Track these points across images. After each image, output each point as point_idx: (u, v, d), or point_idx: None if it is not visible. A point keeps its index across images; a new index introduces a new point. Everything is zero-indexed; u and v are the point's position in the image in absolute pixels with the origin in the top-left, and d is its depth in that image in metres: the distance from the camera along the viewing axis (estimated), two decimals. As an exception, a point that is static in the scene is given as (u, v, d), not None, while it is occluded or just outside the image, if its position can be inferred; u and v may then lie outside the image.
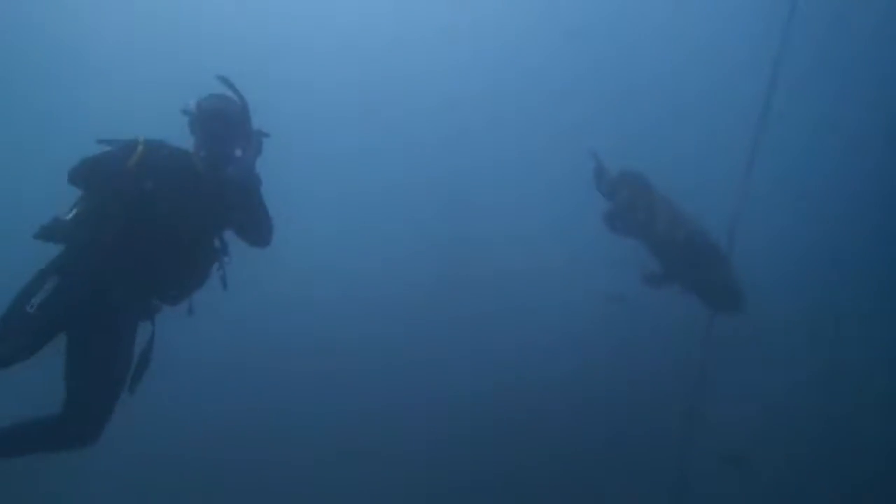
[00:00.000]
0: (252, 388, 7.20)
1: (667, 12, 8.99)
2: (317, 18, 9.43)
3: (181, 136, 3.70)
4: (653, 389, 6.68)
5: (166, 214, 3.46)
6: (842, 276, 7.49)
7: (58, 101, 8.47)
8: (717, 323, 5.74)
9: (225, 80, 3.59)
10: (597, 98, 8.65)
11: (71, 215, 3.46)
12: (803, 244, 7.73)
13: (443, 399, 7.23)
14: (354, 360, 7.54)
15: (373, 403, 7.19)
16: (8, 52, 8.65)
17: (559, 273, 7.93)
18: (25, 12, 8.99)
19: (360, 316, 7.84)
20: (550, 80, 8.94)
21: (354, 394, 7.26)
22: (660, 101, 8.58)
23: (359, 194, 8.77)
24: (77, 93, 8.49)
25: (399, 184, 8.70)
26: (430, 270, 8.20)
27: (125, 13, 9.11)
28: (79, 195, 3.54)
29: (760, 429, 6.57)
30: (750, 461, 6.13)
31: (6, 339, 3.20)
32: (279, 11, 9.44)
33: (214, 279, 3.75)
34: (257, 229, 3.70)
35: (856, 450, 6.49)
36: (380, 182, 8.74)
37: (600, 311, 7.04)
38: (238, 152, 3.60)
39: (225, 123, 3.59)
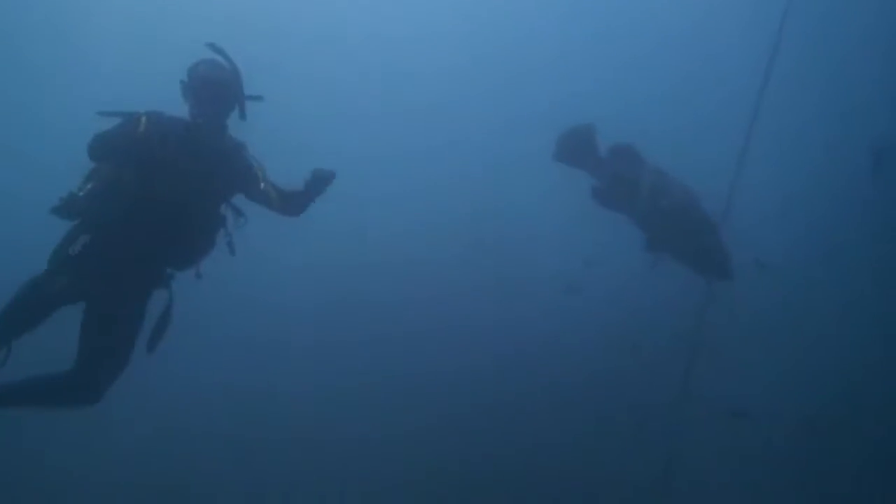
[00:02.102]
0: (260, 358, 7.47)
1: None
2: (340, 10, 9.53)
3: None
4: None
5: (175, 183, 3.62)
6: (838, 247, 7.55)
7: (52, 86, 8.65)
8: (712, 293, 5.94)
9: (215, 47, 3.74)
10: (596, 70, 8.72)
11: (85, 191, 3.61)
12: (801, 217, 7.78)
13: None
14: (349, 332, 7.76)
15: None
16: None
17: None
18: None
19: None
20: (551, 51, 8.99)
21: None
22: (660, 71, 8.60)
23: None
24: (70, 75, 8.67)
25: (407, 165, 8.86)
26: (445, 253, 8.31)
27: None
28: (88, 171, 3.69)
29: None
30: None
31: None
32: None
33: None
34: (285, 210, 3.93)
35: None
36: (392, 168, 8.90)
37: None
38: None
39: (220, 90, 3.72)
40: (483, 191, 8.66)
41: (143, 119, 3.64)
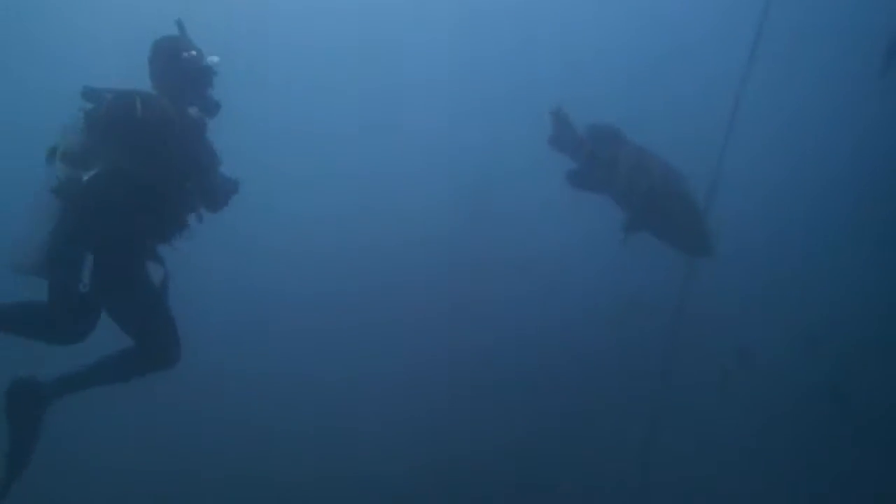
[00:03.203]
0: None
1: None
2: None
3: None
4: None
5: (168, 164, 3.59)
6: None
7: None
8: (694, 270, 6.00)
9: (181, 25, 3.79)
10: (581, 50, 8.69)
11: (90, 175, 3.44)
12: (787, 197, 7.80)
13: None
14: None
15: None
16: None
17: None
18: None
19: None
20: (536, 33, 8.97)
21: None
22: (647, 48, 8.57)
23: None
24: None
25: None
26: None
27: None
28: (80, 152, 3.51)
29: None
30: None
31: (72, 319, 3.55)
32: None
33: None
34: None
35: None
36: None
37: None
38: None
39: (198, 69, 3.76)
40: (467, 172, 8.65)
41: (138, 99, 3.52)
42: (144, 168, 3.51)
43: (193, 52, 3.76)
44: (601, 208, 5.16)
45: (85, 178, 3.43)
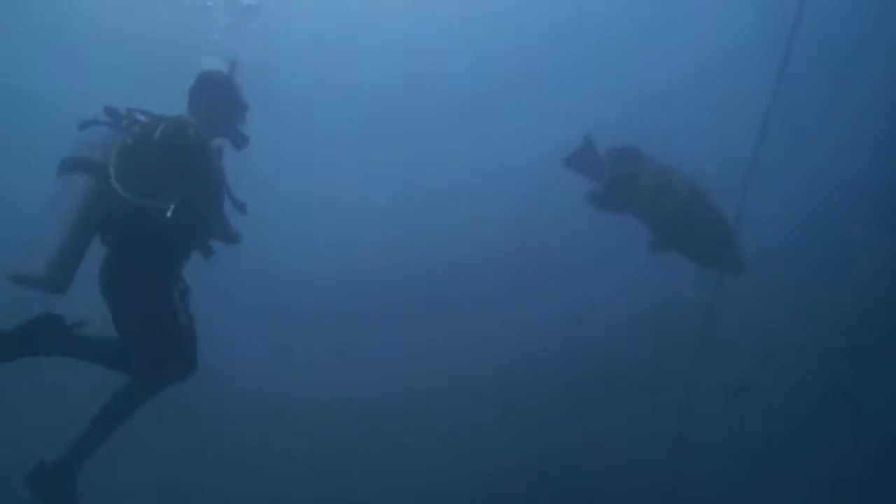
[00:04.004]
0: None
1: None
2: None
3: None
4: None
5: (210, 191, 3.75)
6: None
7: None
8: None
9: (234, 65, 3.98)
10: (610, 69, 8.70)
11: (172, 210, 3.47)
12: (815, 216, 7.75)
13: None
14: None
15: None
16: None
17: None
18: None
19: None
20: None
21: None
22: (673, 68, 8.57)
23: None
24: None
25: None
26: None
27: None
28: (154, 186, 3.54)
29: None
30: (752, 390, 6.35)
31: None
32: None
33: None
34: None
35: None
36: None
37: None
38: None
39: (240, 107, 3.99)
40: (496, 191, 8.68)
41: (193, 129, 3.63)
42: (204, 198, 3.62)
43: (242, 96, 3.94)
44: (624, 224, 5.23)
45: (169, 213, 3.46)
